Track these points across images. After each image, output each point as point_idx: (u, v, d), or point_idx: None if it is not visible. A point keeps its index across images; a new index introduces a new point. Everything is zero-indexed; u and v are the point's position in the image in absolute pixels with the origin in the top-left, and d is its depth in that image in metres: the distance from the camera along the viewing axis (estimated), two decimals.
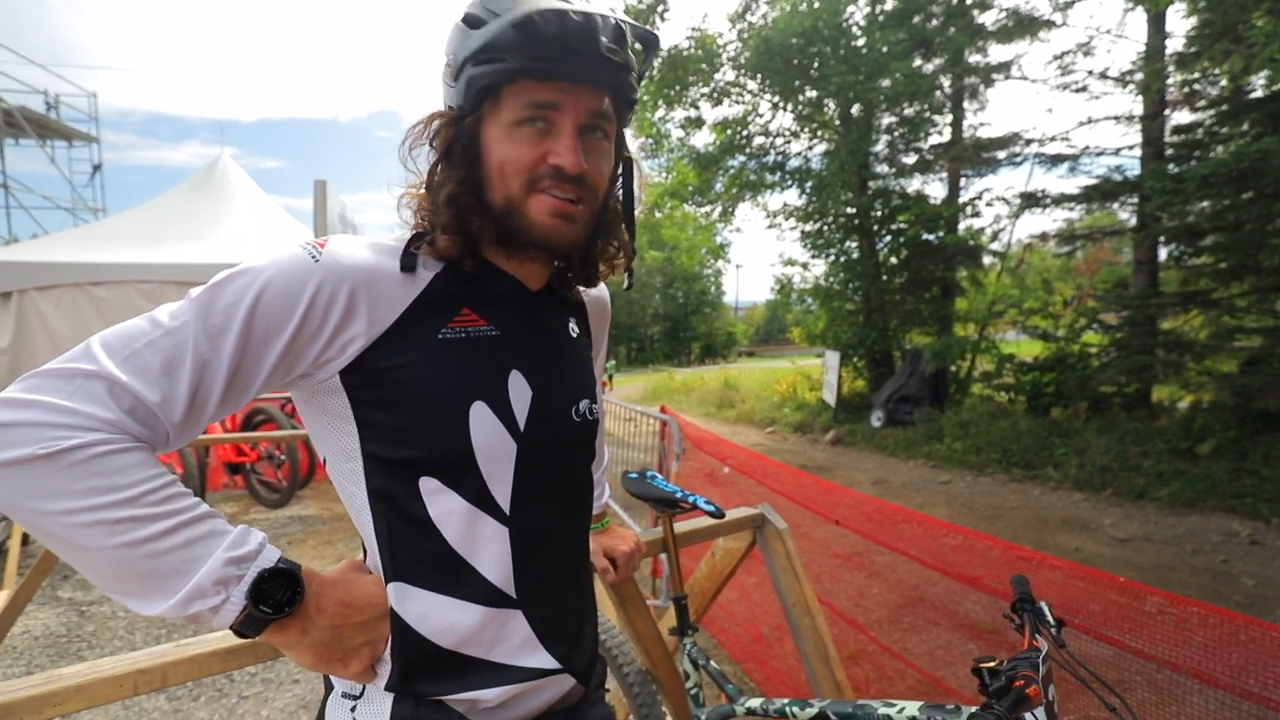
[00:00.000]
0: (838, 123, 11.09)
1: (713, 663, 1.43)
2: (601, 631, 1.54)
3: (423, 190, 0.77)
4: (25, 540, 4.05)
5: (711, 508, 1.38)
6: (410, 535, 0.73)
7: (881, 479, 7.16)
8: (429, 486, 0.72)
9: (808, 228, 11.82)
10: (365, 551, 0.78)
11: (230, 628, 0.61)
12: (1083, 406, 8.05)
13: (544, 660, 0.78)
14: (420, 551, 0.73)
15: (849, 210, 11.08)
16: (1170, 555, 4.49)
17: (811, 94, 10.83)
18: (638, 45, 0.76)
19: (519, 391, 0.76)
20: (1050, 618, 1.10)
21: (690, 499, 1.41)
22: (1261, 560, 4.38)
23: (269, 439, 4.91)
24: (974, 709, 0.92)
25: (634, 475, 1.49)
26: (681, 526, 1.51)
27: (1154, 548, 4.67)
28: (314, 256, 0.67)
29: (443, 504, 0.72)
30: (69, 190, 15.19)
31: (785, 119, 11.63)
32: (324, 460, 0.77)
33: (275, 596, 0.62)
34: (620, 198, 0.85)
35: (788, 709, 1.21)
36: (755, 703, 1.29)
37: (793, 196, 15.06)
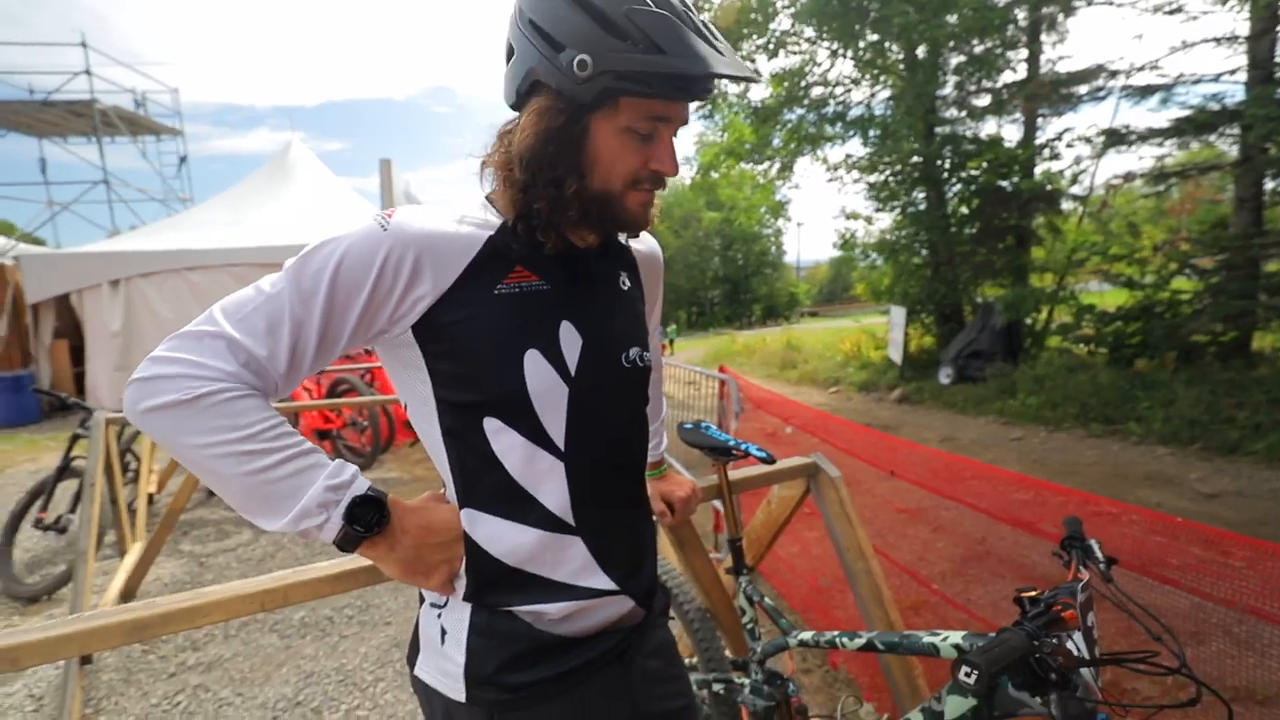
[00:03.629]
0: (901, 66, 10.51)
1: (767, 599, 1.51)
2: (662, 572, 1.65)
3: (511, 162, 0.82)
4: (150, 500, 4.56)
5: (763, 454, 1.44)
6: (478, 468, 0.82)
7: (949, 436, 6.99)
8: (491, 426, 0.81)
9: (872, 179, 11.36)
10: (444, 485, 0.90)
11: (333, 542, 0.74)
12: (1170, 357, 7.54)
13: (603, 582, 0.86)
14: (487, 482, 0.83)
15: (915, 159, 10.56)
16: (1264, 510, 4.25)
17: (872, 37, 10.28)
18: None
19: (570, 340, 0.83)
20: (1099, 554, 1.13)
21: (743, 446, 1.48)
22: None
23: (352, 404, 5.28)
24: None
25: (689, 425, 1.57)
26: (736, 475, 1.59)
27: (1246, 503, 4.42)
28: (383, 226, 0.76)
29: (504, 441, 0.81)
30: (159, 182, 16.30)
31: (845, 66, 11.13)
32: (405, 405, 0.87)
33: (366, 518, 0.74)
34: None
35: (838, 640, 1.28)
36: (807, 635, 1.37)
37: (855, 147, 14.44)
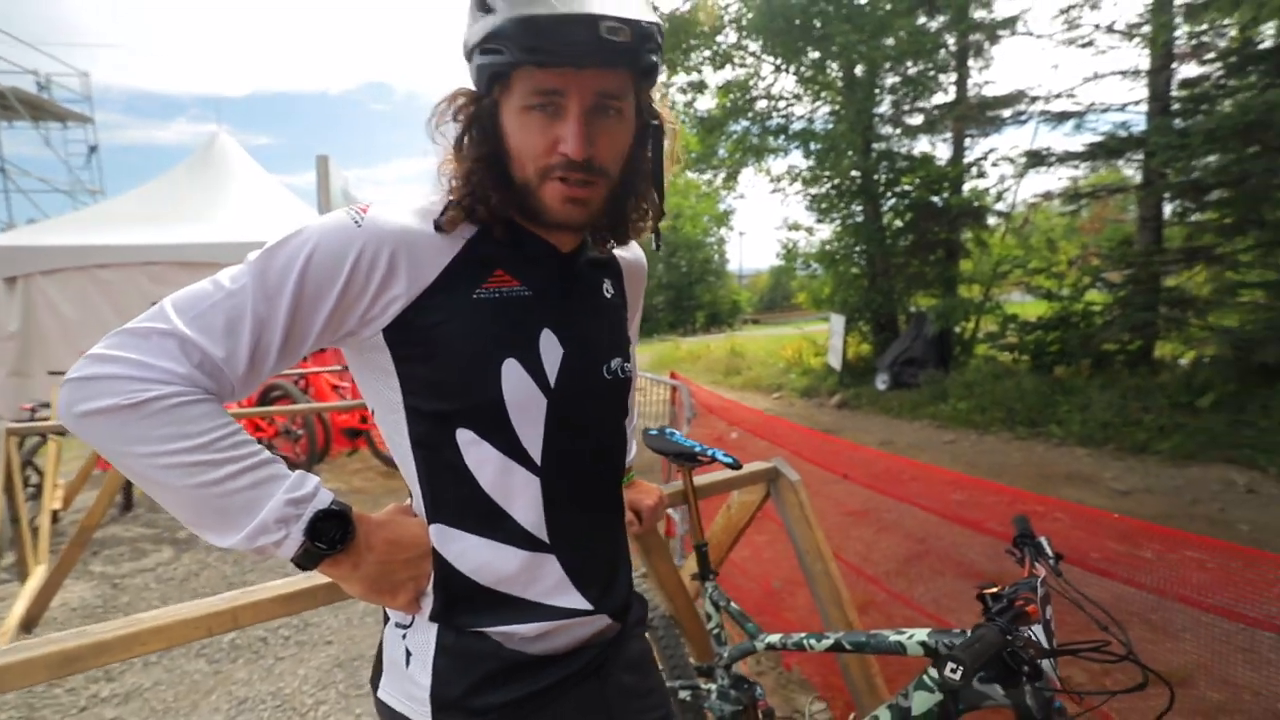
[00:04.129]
0: (841, 84, 10.92)
1: (733, 604, 1.52)
2: None
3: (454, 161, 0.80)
4: (55, 517, 4.19)
5: (729, 459, 1.45)
6: (448, 481, 0.78)
7: (887, 440, 7.25)
8: (465, 437, 0.77)
9: (813, 191, 11.73)
10: (411, 496, 0.85)
11: (292, 560, 0.69)
12: (1086, 364, 8.09)
13: (577, 601, 0.82)
14: (458, 496, 0.79)
15: (854, 173, 10.98)
16: (1170, 505, 4.60)
17: (814, 55, 10.64)
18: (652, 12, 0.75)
19: (550, 349, 0.79)
20: (1049, 550, 1.18)
21: (709, 452, 1.49)
22: (1257, 508, 4.48)
23: (285, 412, 5.01)
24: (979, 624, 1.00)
25: (654, 432, 1.57)
26: (701, 480, 1.59)
27: (1154, 499, 4.77)
28: (356, 222, 0.71)
29: (477, 454, 0.77)
30: (66, 172, 15.14)
31: (788, 82, 11.46)
32: (373, 412, 0.83)
33: (329, 534, 0.70)
34: (651, 158, 0.85)
35: (805, 641, 1.30)
36: (774, 638, 1.38)
37: (797, 159, 14.92)
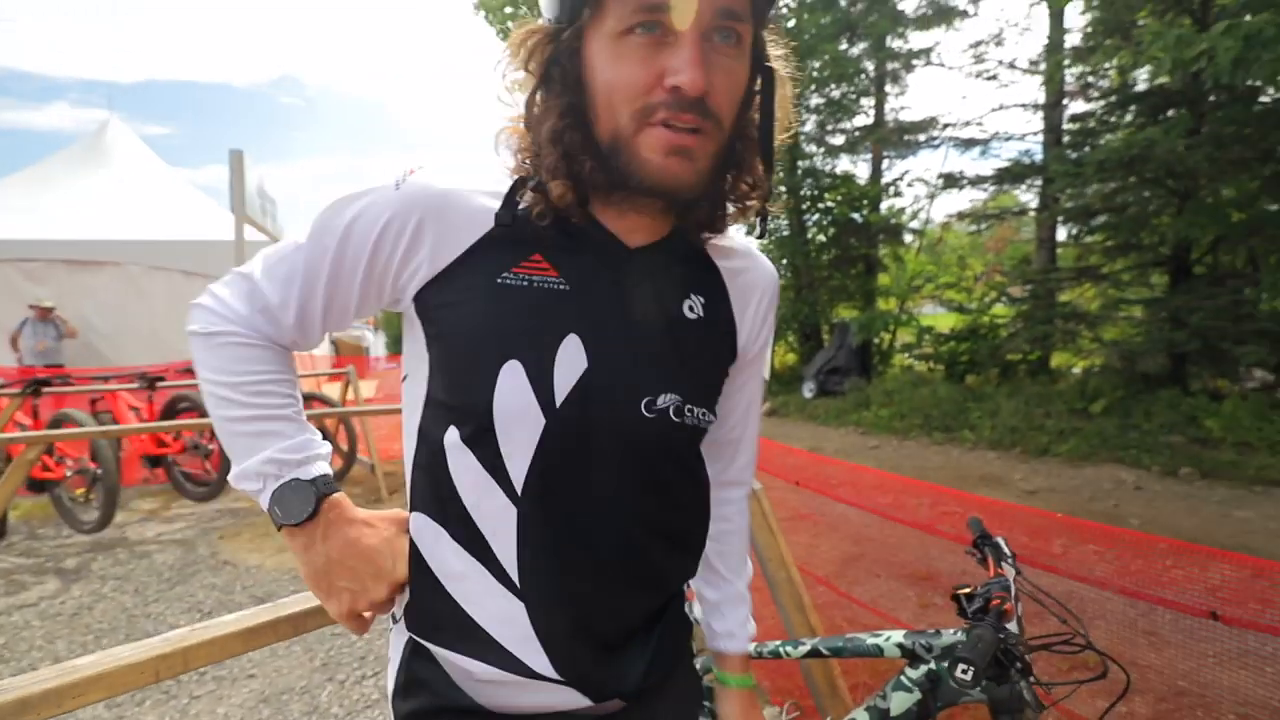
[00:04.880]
0: None
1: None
2: None
3: (522, 125, 0.67)
4: None
5: None
6: (434, 478, 0.69)
7: (815, 446, 7.52)
8: (451, 438, 0.66)
9: None
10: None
11: (267, 513, 0.68)
12: (994, 373, 8.73)
13: (540, 664, 0.67)
14: (438, 496, 0.69)
15: (780, 188, 11.41)
16: (1070, 503, 5.00)
17: None
18: None
19: (569, 359, 0.65)
20: (1007, 550, 1.25)
21: None
22: (1144, 502, 4.96)
23: (191, 428, 4.62)
24: (959, 628, 1.04)
25: None
26: None
27: (1057, 496, 5.18)
28: (398, 184, 0.66)
29: (460, 459, 0.66)
30: None
31: None
32: (404, 378, 0.75)
33: (291, 504, 0.66)
34: (758, 121, 0.69)
35: (781, 649, 1.31)
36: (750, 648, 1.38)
37: None
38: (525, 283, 0.65)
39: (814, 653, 1.25)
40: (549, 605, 0.67)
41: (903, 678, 1.11)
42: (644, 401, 0.67)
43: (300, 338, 0.71)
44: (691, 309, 0.72)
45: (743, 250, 0.78)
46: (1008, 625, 0.97)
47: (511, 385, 0.64)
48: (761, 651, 1.35)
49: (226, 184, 5.61)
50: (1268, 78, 5.69)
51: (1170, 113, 7.32)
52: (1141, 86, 8.02)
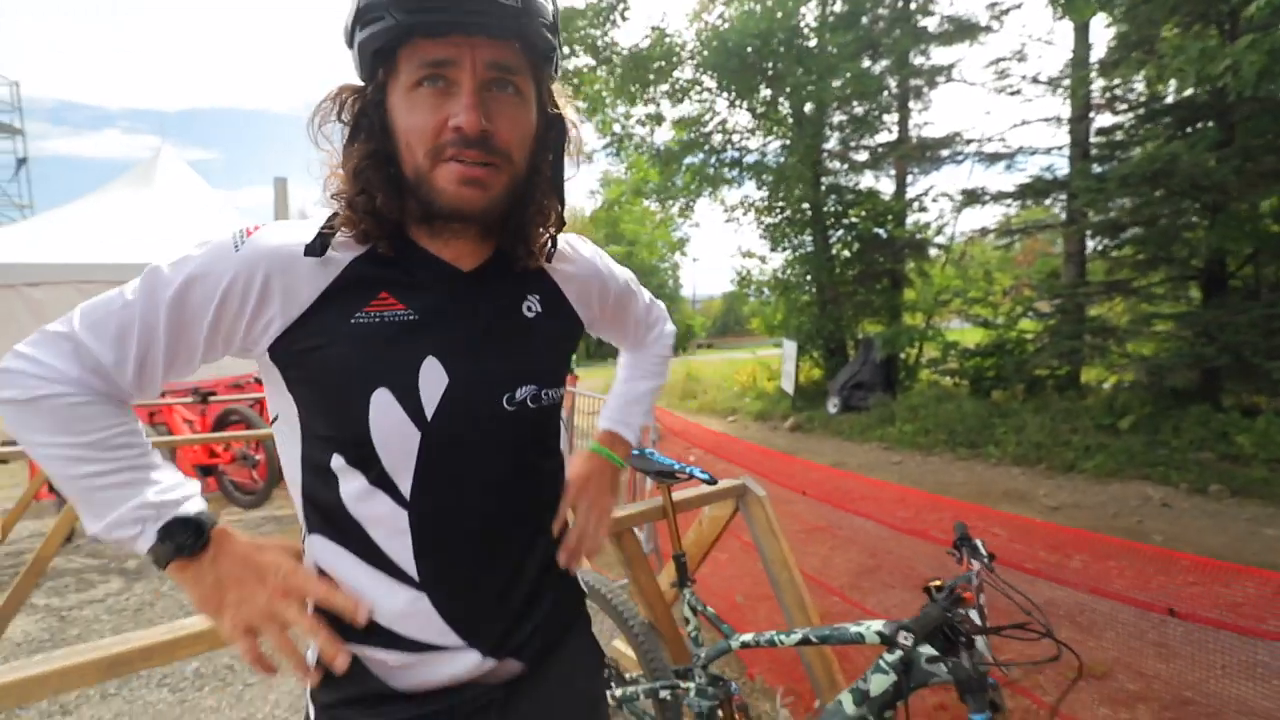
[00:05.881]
0: (791, 120, 11.50)
1: (709, 608, 1.66)
2: (607, 591, 1.76)
3: (340, 170, 0.75)
4: None
5: (705, 475, 1.61)
6: (325, 501, 0.76)
7: (839, 462, 7.56)
8: (338, 463, 0.74)
9: (766, 221, 12.22)
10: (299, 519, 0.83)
11: (147, 554, 0.72)
12: (1020, 388, 8.65)
13: (449, 638, 0.77)
14: (332, 517, 0.76)
15: (804, 205, 11.52)
16: (1094, 519, 4.98)
17: (767, 92, 11.19)
18: None
19: (431, 378, 0.74)
20: (983, 551, 1.37)
21: (686, 470, 1.64)
22: (1170, 520, 4.92)
23: (238, 438, 4.91)
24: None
25: (636, 452, 1.71)
26: (679, 495, 1.74)
27: (1081, 513, 5.16)
28: (236, 245, 0.71)
29: (350, 481, 0.74)
30: None
31: (742, 117, 11.98)
32: (273, 420, 0.81)
33: (180, 538, 0.71)
34: (550, 160, 0.80)
35: (776, 638, 1.45)
36: (748, 637, 1.53)
37: (750, 189, 15.49)
38: (378, 319, 0.73)
39: (805, 641, 1.39)
40: (451, 590, 0.78)
41: (881, 661, 1.25)
42: (504, 398, 0.78)
43: (139, 392, 0.73)
44: (530, 308, 0.83)
45: (562, 251, 0.90)
46: (966, 610, 1.11)
47: (384, 410, 0.72)
48: (759, 641, 1.50)
49: (264, 204, 5.96)
50: None
51: (1198, 125, 7.26)
52: (1171, 99, 7.97)
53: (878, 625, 1.28)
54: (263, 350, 0.74)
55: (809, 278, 11.99)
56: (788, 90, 10.44)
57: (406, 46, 0.69)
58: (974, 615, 1.11)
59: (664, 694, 1.65)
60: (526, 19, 0.69)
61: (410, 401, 0.73)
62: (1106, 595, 2.00)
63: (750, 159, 12.16)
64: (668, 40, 10.67)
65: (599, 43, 10.58)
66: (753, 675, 2.83)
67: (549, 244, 0.84)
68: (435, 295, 0.76)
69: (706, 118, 11.82)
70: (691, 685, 1.62)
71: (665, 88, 11.32)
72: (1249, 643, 2.12)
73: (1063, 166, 9.19)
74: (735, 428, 10.70)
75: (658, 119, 11.81)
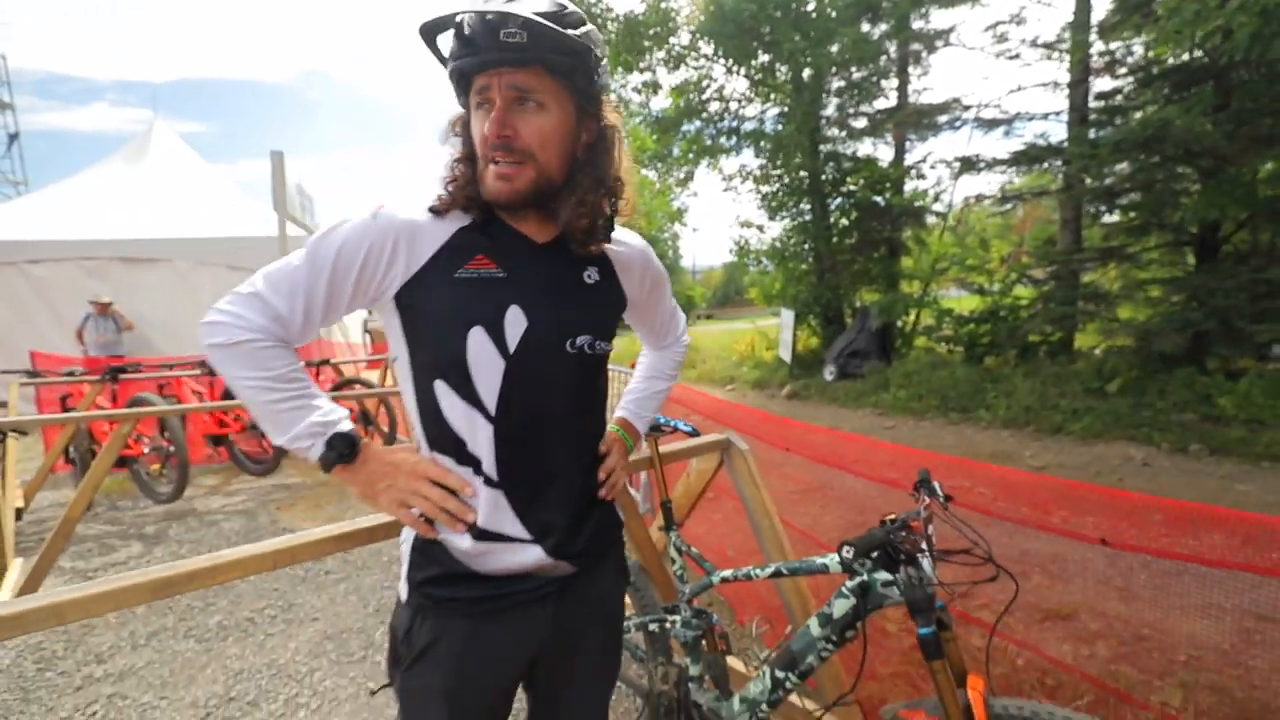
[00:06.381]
0: (789, 87, 11.40)
1: (693, 549, 1.81)
2: None
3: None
4: (18, 516, 4.18)
5: (689, 428, 1.74)
6: (432, 420, 0.99)
7: (833, 427, 7.72)
8: (440, 387, 0.97)
9: (764, 190, 12.19)
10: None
11: (316, 461, 0.96)
12: (1012, 354, 8.78)
13: (517, 531, 1.00)
14: (440, 434, 0.99)
15: (802, 173, 11.48)
16: (1076, 477, 5.15)
17: (764, 58, 11.08)
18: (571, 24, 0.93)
19: (514, 321, 0.96)
20: (940, 491, 1.51)
21: (671, 423, 1.77)
22: (1148, 477, 5.09)
23: (207, 410, 5.00)
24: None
25: None
26: (665, 448, 1.88)
27: (1064, 472, 5.33)
28: (374, 217, 0.94)
29: (448, 401, 0.97)
30: None
31: (739, 83, 11.88)
32: (393, 360, 1.04)
33: (340, 448, 0.95)
34: (594, 163, 1.01)
35: (751, 572, 1.60)
36: (727, 573, 1.68)
37: (748, 158, 15.39)
38: (475, 275, 0.96)
39: (777, 573, 1.54)
40: (520, 490, 1.00)
41: (842, 588, 1.40)
42: (568, 342, 1.01)
43: (301, 336, 0.97)
44: (589, 277, 1.06)
45: (618, 238, 1.11)
46: (913, 537, 1.25)
47: (478, 343, 0.95)
48: (736, 575, 1.65)
49: (262, 179, 6.02)
50: None
51: (1195, 89, 7.24)
52: (1172, 61, 7.90)
53: (841, 554, 1.42)
54: (389, 298, 0.96)
55: (807, 246, 12.02)
56: (785, 56, 10.34)
57: (470, 80, 0.93)
58: (922, 544, 1.25)
59: (653, 627, 1.81)
60: (535, 51, 0.89)
61: (498, 338, 0.95)
62: (1046, 529, 2.15)
63: (748, 126, 12.10)
64: (664, 6, 10.53)
65: (594, 9, 10.44)
66: (742, 621, 3.02)
67: (600, 230, 1.02)
68: (517, 259, 0.99)
69: (704, 84, 11.72)
70: (678, 618, 1.77)
71: (661, 55, 11.21)
72: (1207, 585, 2.28)
73: (1060, 132, 9.16)
74: (733, 395, 10.86)
75: (654, 86, 11.72)
